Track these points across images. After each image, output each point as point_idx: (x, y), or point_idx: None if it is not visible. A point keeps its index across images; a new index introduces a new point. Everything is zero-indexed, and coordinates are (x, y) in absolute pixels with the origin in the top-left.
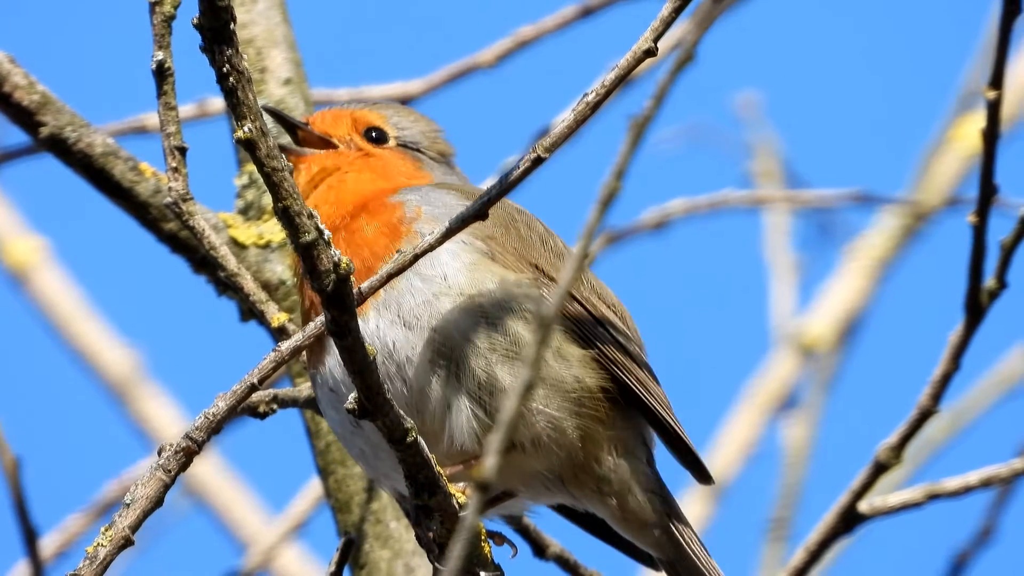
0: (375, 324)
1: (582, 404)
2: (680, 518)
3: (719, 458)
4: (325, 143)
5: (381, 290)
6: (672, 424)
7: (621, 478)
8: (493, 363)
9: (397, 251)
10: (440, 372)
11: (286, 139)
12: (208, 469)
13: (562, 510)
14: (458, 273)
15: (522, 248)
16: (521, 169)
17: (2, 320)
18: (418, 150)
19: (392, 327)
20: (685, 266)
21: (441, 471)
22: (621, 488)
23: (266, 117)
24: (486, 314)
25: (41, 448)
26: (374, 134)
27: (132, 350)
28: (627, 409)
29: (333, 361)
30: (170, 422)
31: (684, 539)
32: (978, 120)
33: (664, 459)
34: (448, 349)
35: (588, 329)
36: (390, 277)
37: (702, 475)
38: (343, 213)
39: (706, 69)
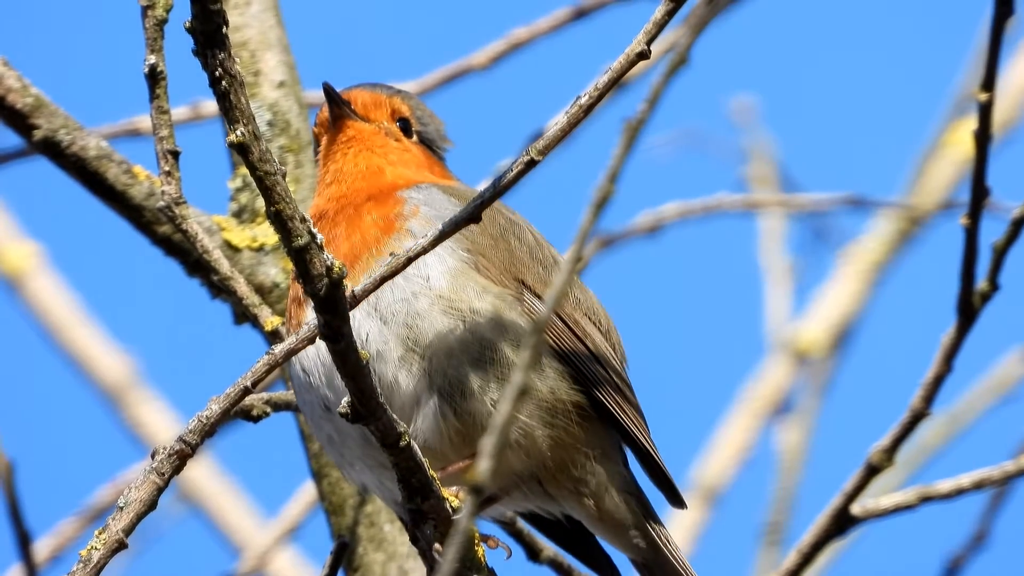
0: (351, 314)
1: (555, 415)
2: (656, 520)
3: (713, 463)
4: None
5: (361, 280)
6: (647, 446)
7: (598, 480)
8: (465, 365)
9: (390, 254)
10: (412, 369)
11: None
12: (202, 472)
13: (534, 521)
14: (440, 277)
15: (510, 262)
16: (514, 172)
17: None
18: (432, 146)
19: (368, 319)
20: (679, 270)
21: (434, 475)
22: (598, 489)
23: (259, 120)
24: (463, 319)
25: (35, 452)
26: (402, 125)
27: (126, 355)
28: (602, 422)
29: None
30: (164, 426)
31: (660, 540)
32: (972, 124)
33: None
34: (421, 348)
35: (569, 349)
36: (384, 280)
37: (675, 499)
38: (361, 190)
39: (701, 73)
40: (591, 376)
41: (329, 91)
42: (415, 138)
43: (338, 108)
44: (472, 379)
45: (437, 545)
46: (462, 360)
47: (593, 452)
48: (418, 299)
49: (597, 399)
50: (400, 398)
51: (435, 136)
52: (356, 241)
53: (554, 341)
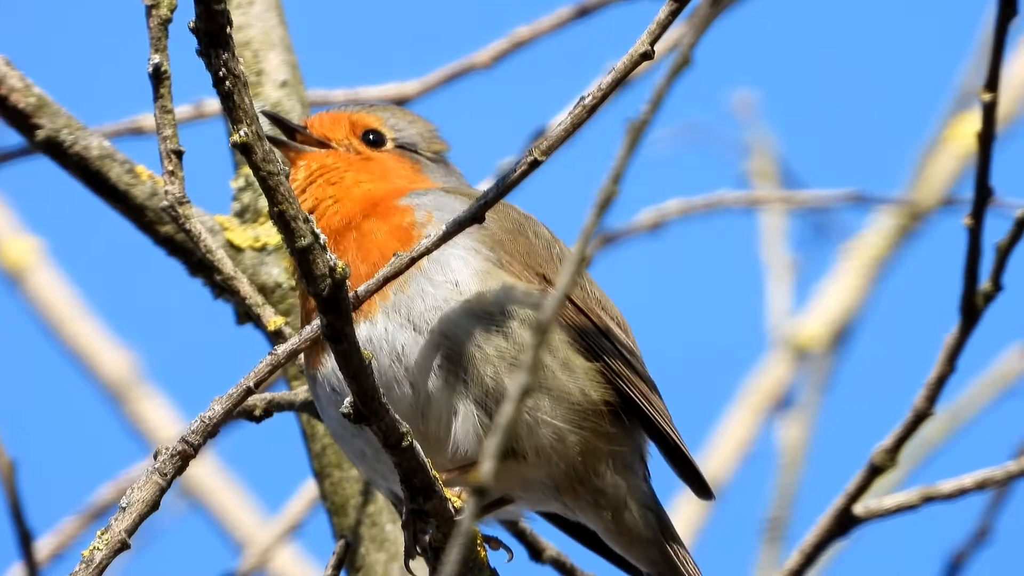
0: (383, 327)
1: (586, 417)
2: (673, 535)
3: (715, 458)
4: (323, 147)
5: (391, 293)
6: (675, 439)
7: (618, 493)
8: (501, 371)
9: (394, 254)
10: (448, 378)
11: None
12: (205, 470)
13: (553, 519)
14: (470, 280)
15: (529, 257)
16: (518, 172)
17: None
18: (415, 151)
19: (401, 330)
20: (681, 267)
21: (437, 475)
22: (617, 503)
23: (263, 120)
24: (496, 322)
25: (37, 450)
26: (372, 137)
27: (128, 351)
28: (627, 424)
29: (335, 362)
30: (167, 424)
31: (677, 557)
32: (974, 119)
33: (659, 467)
34: (457, 355)
35: (593, 340)
36: (387, 280)
37: (702, 490)
38: (353, 214)
39: (702, 68)
40: (614, 365)
41: (272, 116)
42: (390, 145)
43: (291, 136)
44: (509, 384)
45: (427, 538)
46: (498, 366)
47: (616, 461)
48: (450, 306)
49: (626, 395)
50: (438, 409)
51: (418, 140)
52: (376, 259)
53: (579, 332)
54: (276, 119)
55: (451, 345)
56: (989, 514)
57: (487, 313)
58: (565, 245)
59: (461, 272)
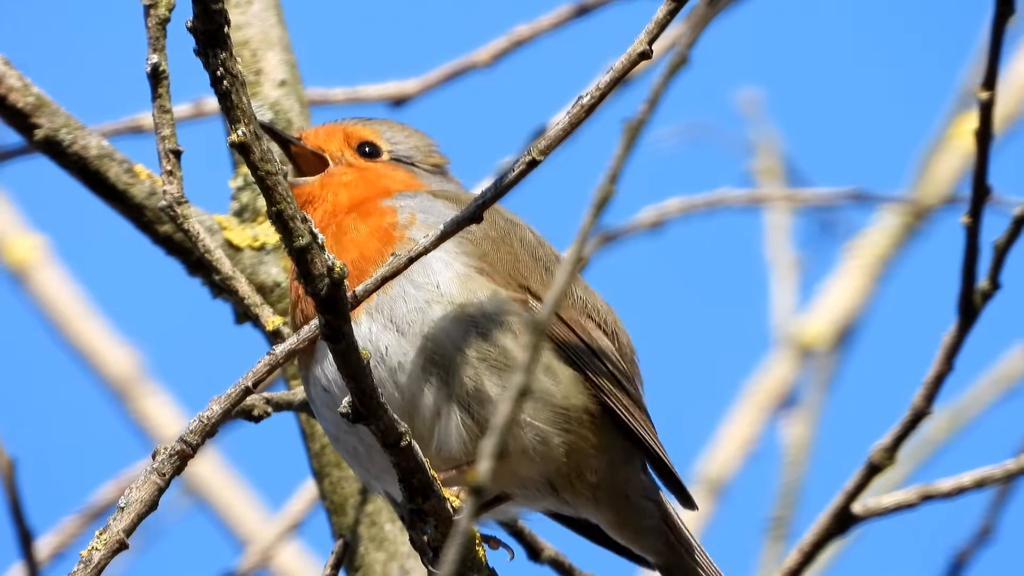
0: (367, 328)
1: (569, 419)
2: (677, 523)
3: (718, 457)
4: (318, 158)
5: (373, 294)
6: (658, 451)
7: (615, 487)
8: (482, 373)
9: (392, 254)
10: (431, 379)
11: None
12: (207, 468)
13: (557, 515)
14: (451, 282)
15: (513, 267)
16: (516, 172)
17: (1, 318)
18: (412, 164)
19: (385, 332)
20: (685, 265)
21: (435, 475)
22: (616, 496)
23: (261, 119)
24: (476, 324)
25: (39, 448)
26: (367, 148)
27: (132, 348)
28: (615, 423)
29: (326, 361)
30: (170, 422)
31: (683, 545)
32: (976, 119)
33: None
34: (439, 356)
35: (577, 354)
36: (384, 280)
37: (686, 500)
38: (335, 211)
39: (707, 66)
40: (598, 380)
41: (268, 128)
42: (386, 157)
43: (285, 147)
44: (489, 386)
45: (425, 537)
46: (479, 368)
47: (610, 458)
48: (432, 307)
49: (607, 403)
50: (422, 410)
51: (414, 153)
52: (355, 257)
53: (562, 345)
54: (271, 131)
55: (433, 347)
56: (992, 513)
57: (468, 315)
58: (553, 247)
59: (442, 274)
